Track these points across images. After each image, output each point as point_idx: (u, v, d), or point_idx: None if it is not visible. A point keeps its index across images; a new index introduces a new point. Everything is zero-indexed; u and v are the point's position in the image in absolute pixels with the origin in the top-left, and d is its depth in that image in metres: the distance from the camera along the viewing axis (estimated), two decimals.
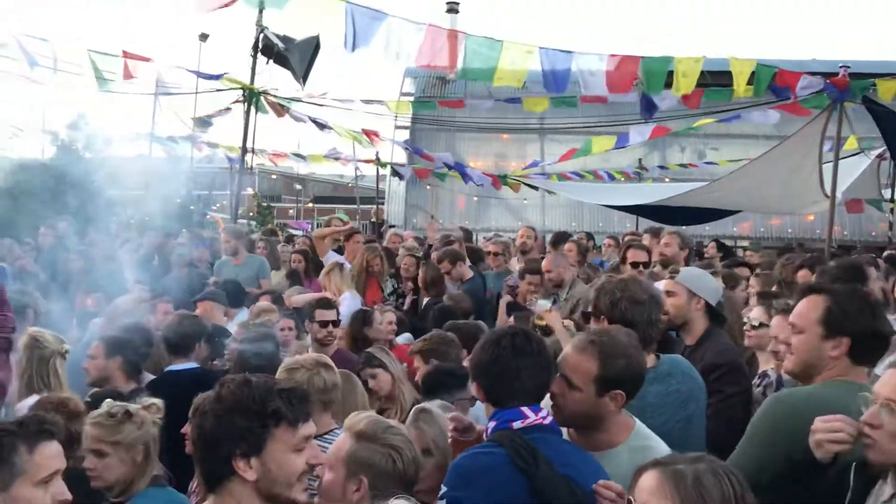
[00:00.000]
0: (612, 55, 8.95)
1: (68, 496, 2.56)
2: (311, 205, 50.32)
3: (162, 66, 11.43)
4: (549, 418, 2.84)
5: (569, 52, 8.87)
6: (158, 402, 3.45)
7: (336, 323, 5.92)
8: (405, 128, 18.90)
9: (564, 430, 2.96)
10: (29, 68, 10.93)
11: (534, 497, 2.60)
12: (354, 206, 31.05)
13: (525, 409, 2.77)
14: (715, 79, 9.72)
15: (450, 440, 3.20)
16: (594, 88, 9.03)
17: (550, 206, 19.30)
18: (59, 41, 10.67)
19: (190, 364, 5.21)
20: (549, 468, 2.63)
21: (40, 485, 2.49)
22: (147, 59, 10.79)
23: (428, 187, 20.53)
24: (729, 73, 9.31)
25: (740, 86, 8.85)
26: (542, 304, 5.51)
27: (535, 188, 15.67)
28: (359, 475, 2.70)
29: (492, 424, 2.82)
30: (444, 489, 2.69)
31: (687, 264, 6.46)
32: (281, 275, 9.77)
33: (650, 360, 3.46)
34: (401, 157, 19.52)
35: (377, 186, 20.69)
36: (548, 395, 2.93)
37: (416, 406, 3.50)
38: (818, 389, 2.89)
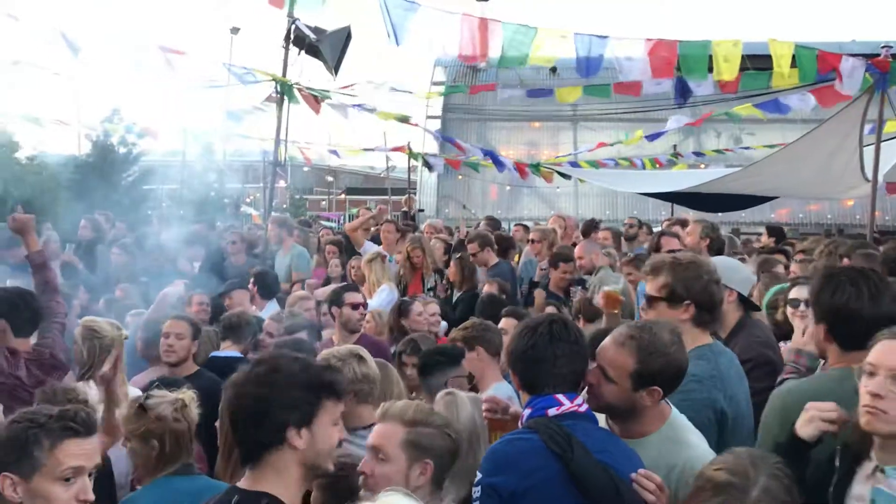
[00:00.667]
0: (649, 39, 8.79)
1: (90, 497, 2.58)
2: (342, 196, 50.59)
3: (196, 59, 11.48)
4: (585, 406, 2.83)
5: (604, 36, 8.73)
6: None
7: (365, 306, 5.94)
8: (436, 117, 18.87)
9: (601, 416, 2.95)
10: (70, 58, 11.01)
11: (570, 482, 2.59)
12: (386, 197, 31.12)
13: (560, 397, 2.77)
14: (753, 63, 9.54)
15: (485, 420, 3.26)
16: (631, 73, 8.88)
17: (584, 195, 19.17)
18: (96, 37, 10.71)
19: (235, 352, 5.35)
20: (586, 454, 2.62)
21: (61, 481, 2.52)
22: (181, 53, 10.84)
23: (460, 177, 20.50)
24: (767, 57, 9.12)
25: (783, 69, 8.62)
26: (613, 288, 5.52)
27: (568, 177, 15.54)
28: (423, 459, 2.81)
29: (527, 412, 2.81)
30: (479, 475, 2.69)
31: (711, 253, 6.31)
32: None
33: (707, 336, 3.44)
34: (432, 147, 19.51)
35: (409, 177, 20.69)
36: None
37: (444, 391, 3.53)
38: (813, 382, 3.02)
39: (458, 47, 8.79)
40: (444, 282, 8.58)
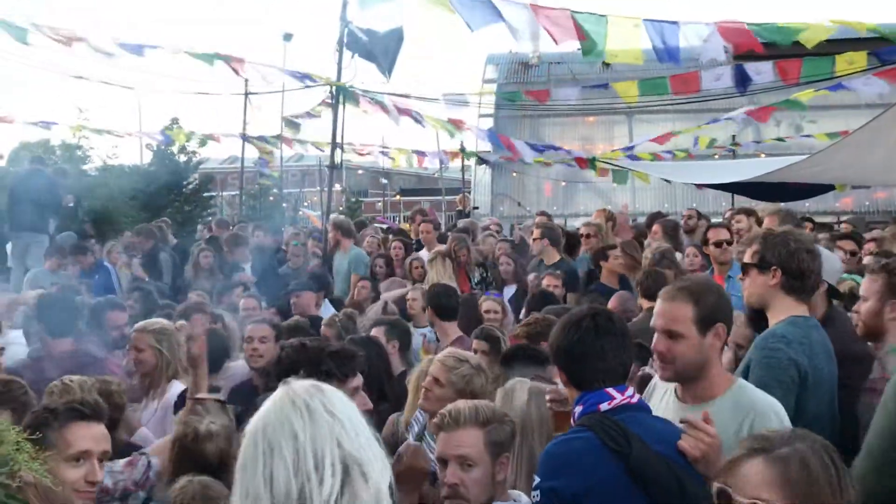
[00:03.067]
0: (718, 22, 8.62)
1: (98, 478, 2.70)
2: (397, 197, 50.92)
3: (254, 65, 11.69)
4: (637, 396, 2.80)
5: (674, 22, 8.59)
6: (214, 426, 3.47)
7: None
8: (489, 115, 18.83)
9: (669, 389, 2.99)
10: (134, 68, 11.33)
11: (631, 477, 2.56)
12: (440, 198, 31.21)
13: (611, 390, 2.74)
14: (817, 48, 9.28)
15: (549, 411, 3.26)
16: (711, 53, 8.63)
17: (640, 188, 18.84)
18: (155, 47, 11.00)
19: None
20: (644, 447, 2.59)
21: (70, 462, 2.64)
22: (240, 60, 11.07)
23: (514, 174, 20.42)
24: (830, 41, 8.87)
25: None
26: None
27: (624, 180, 15.33)
28: (502, 455, 2.90)
29: (578, 409, 2.78)
30: (537, 479, 2.66)
31: None
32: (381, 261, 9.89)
33: (805, 310, 3.54)
34: (486, 144, 19.49)
35: (462, 176, 20.74)
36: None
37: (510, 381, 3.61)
38: None
39: (552, 37, 8.64)
40: (489, 276, 8.66)
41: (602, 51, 8.39)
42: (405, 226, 24.05)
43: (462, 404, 3.04)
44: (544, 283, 7.29)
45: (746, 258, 3.68)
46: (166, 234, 11.05)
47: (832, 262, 4.30)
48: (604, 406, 2.72)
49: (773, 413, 2.83)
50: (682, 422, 2.66)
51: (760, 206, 9.33)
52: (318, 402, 1.73)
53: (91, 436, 2.75)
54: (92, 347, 5.28)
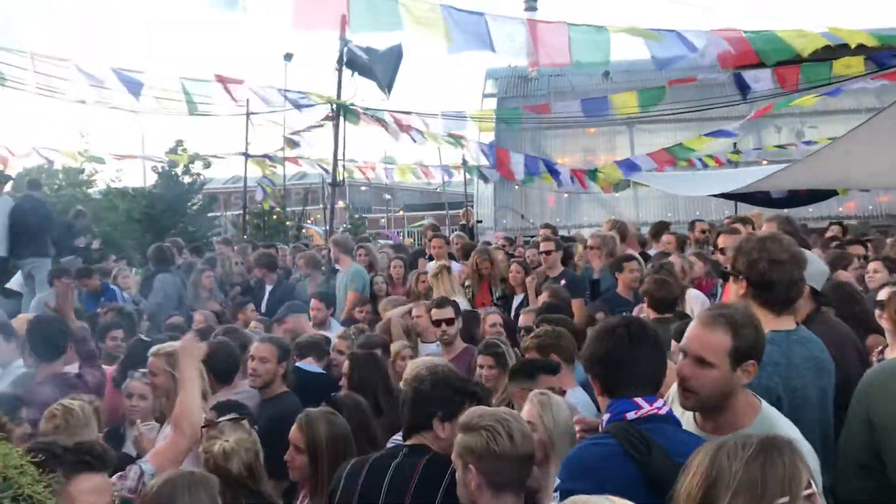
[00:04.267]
0: (714, 31, 8.68)
1: None
2: (401, 213, 50.97)
3: (253, 86, 11.77)
4: (666, 408, 2.79)
5: (672, 30, 8.64)
6: (229, 445, 3.53)
7: (450, 321, 6.04)
8: (489, 131, 18.90)
9: (688, 416, 2.92)
10: (132, 99, 11.45)
11: (649, 487, 2.56)
12: (443, 212, 31.18)
13: (639, 400, 2.74)
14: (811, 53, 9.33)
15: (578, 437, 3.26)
16: (707, 63, 8.68)
17: (644, 198, 18.92)
18: (153, 72, 11.13)
19: (317, 368, 5.77)
20: (664, 457, 2.58)
21: None
22: (239, 82, 11.14)
23: (517, 187, 20.46)
24: (826, 48, 8.92)
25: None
26: None
27: (625, 186, 15.35)
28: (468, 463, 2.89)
29: (606, 416, 2.79)
30: (557, 481, 2.69)
31: None
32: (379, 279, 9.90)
33: (789, 322, 3.36)
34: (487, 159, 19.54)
35: (465, 190, 20.75)
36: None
37: (538, 390, 3.66)
38: None
39: (538, 55, 8.70)
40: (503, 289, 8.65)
41: (599, 63, 8.43)
42: (408, 241, 24.11)
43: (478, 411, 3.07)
44: (541, 297, 7.21)
45: (726, 266, 3.62)
46: (171, 255, 11.04)
47: (816, 264, 4.24)
48: (630, 415, 2.72)
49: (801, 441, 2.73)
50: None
51: (767, 214, 9.29)
52: None
53: (96, 488, 2.62)
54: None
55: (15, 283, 11.15)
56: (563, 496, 2.60)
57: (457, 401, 3.19)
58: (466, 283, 8.68)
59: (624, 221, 10.06)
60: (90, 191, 25.23)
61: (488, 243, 11.55)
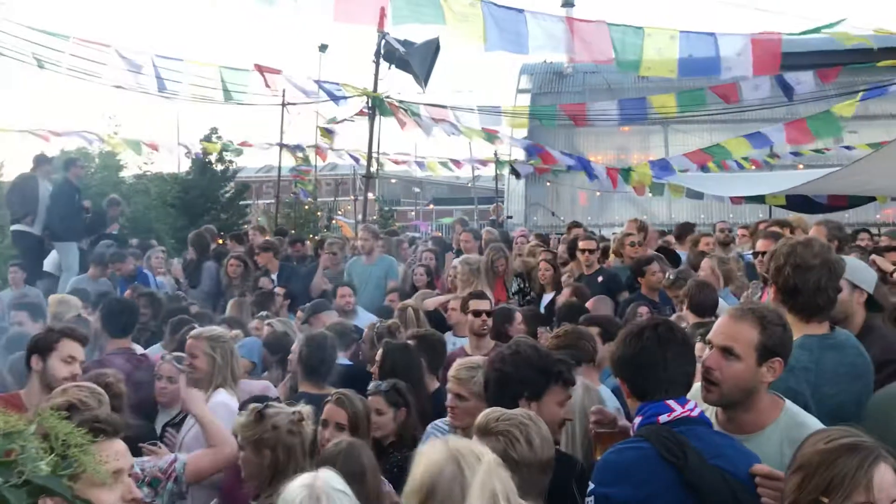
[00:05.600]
0: (754, 34, 8.59)
1: (138, 494, 2.56)
2: (430, 206, 51.06)
3: (291, 76, 11.82)
4: (698, 409, 2.76)
5: (710, 33, 8.56)
6: (305, 410, 3.52)
7: (489, 314, 6.02)
8: (523, 126, 18.83)
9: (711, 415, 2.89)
10: (162, 88, 11.57)
11: (686, 490, 2.54)
12: (472, 207, 31.22)
13: (671, 402, 2.71)
14: (852, 56, 9.20)
15: (591, 433, 3.26)
16: (739, 69, 8.64)
17: (676, 199, 18.74)
18: (192, 60, 11.21)
19: (344, 359, 5.69)
20: (700, 460, 2.56)
21: (101, 485, 2.40)
22: (277, 72, 11.20)
23: (548, 183, 20.36)
24: (868, 51, 8.78)
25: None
26: None
27: (660, 192, 15.21)
28: None
29: (638, 419, 2.77)
30: (591, 485, 2.67)
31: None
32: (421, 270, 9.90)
33: (823, 327, 3.31)
34: (519, 153, 19.47)
35: (496, 186, 20.72)
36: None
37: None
38: None
39: (582, 53, 8.67)
40: (527, 286, 8.62)
41: (637, 62, 8.36)
42: (435, 234, 24.11)
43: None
44: (562, 295, 7.15)
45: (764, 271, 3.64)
46: (208, 242, 11.13)
47: (863, 272, 4.16)
48: (663, 418, 2.70)
49: None
50: (751, 473, 2.58)
51: (816, 218, 9.09)
52: None
53: (115, 453, 2.61)
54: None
55: (49, 264, 11.33)
56: (599, 501, 2.61)
57: (542, 381, 3.31)
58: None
59: (644, 221, 9.95)
60: (123, 175, 25.51)
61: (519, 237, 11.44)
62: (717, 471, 2.55)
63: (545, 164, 14.05)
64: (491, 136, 13.54)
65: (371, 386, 4.26)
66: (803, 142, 13.82)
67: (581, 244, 8.44)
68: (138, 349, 5.92)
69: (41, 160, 11.63)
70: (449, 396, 3.91)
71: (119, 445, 2.64)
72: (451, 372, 3.96)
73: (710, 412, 2.90)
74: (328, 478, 2.53)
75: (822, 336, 3.28)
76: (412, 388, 4.52)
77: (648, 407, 2.74)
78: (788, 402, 2.89)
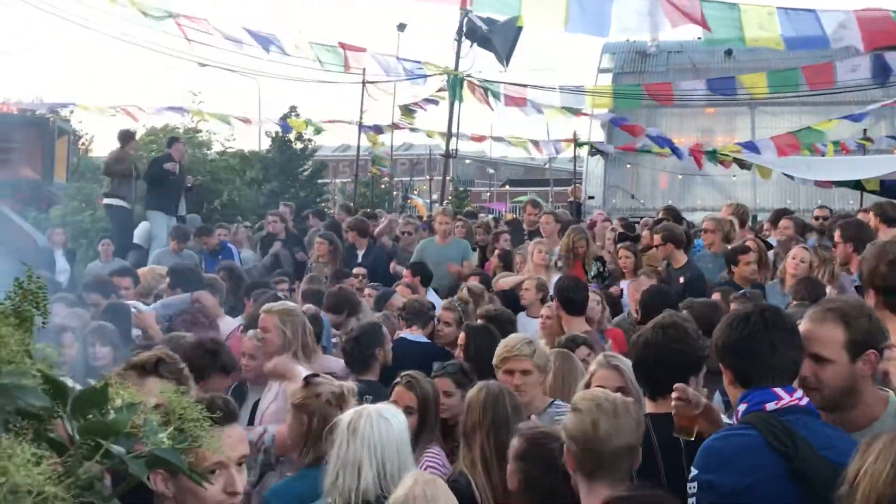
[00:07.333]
0: (857, 10, 8.20)
1: (238, 489, 2.42)
2: (504, 188, 50.87)
3: (375, 55, 11.85)
4: (806, 399, 2.66)
5: (810, 10, 8.22)
6: (347, 387, 3.53)
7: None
8: (606, 107, 18.50)
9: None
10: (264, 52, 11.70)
11: (793, 480, 2.46)
12: (547, 189, 30.96)
13: (778, 390, 2.61)
14: None
15: (673, 411, 3.12)
16: (849, 40, 8.24)
17: (762, 183, 18.07)
18: (283, 35, 11.32)
19: (422, 337, 5.67)
20: (811, 450, 2.47)
21: (206, 474, 2.29)
22: (361, 49, 11.24)
23: (628, 166, 19.98)
24: None
25: None
26: None
27: (748, 166, 14.73)
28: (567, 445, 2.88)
29: (742, 407, 2.67)
30: (694, 471, 2.60)
31: None
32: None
33: None
34: (599, 135, 19.16)
35: (574, 167, 20.42)
36: None
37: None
38: None
39: (675, 22, 8.42)
40: (606, 270, 8.49)
41: (740, 37, 8.06)
42: (509, 216, 23.99)
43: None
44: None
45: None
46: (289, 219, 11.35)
47: None
48: (770, 406, 2.60)
49: None
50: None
51: None
52: None
53: (228, 443, 2.39)
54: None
55: (138, 236, 11.71)
56: (703, 487, 2.55)
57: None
58: (559, 264, 8.52)
59: (745, 206, 9.63)
60: (208, 152, 26.18)
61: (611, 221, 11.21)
62: (827, 462, 2.44)
63: (633, 135, 13.71)
64: (573, 109, 13.32)
65: (437, 367, 4.29)
66: None
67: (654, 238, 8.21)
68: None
69: (126, 136, 12.03)
70: (516, 376, 4.00)
71: (231, 434, 2.48)
72: (510, 350, 4.06)
73: None
74: (378, 407, 2.94)
75: None
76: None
77: (754, 394, 2.64)
78: (892, 394, 2.78)
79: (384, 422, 2.93)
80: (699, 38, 8.87)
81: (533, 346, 4.13)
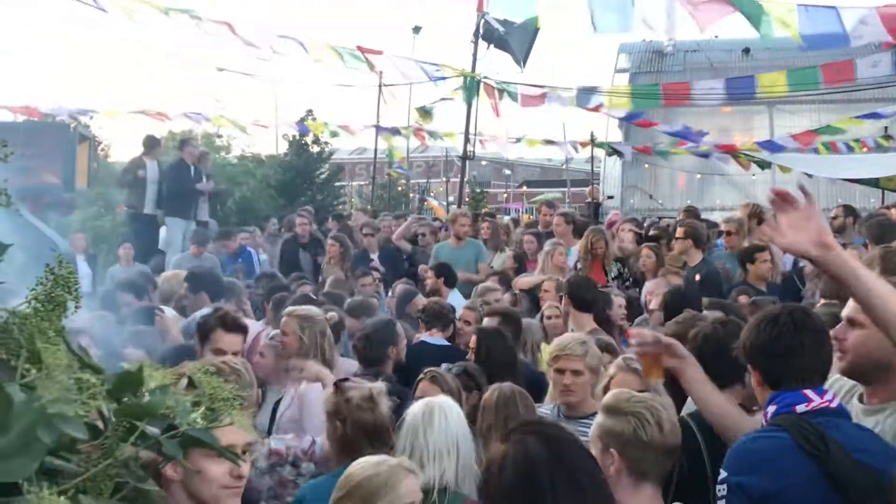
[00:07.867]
0: (879, 6, 8.11)
1: (244, 472, 2.48)
2: (521, 189, 50.82)
3: (392, 58, 11.86)
4: (836, 401, 2.64)
5: (831, 7, 8.14)
6: (376, 389, 3.51)
7: None
8: (624, 107, 18.42)
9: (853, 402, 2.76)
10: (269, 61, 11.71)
11: (827, 484, 2.42)
12: (564, 189, 30.87)
13: (808, 392, 2.59)
14: None
15: (636, 356, 3.24)
16: (870, 37, 8.16)
17: (781, 182, 17.84)
18: (305, 38, 11.34)
19: (441, 340, 5.62)
20: (843, 453, 2.44)
21: (212, 457, 2.29)
22: (378, 52, 11.27)
23: (646, 166, 19.88)
24: None
25: None
26: None
27: (767, 166, 14.63)
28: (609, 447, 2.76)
29: (772, 409, 2.64)
30: (723, 473, 2.57)
31: None
32: (505, 256, 9.85)
33: None
34: (616, 135, 19.08)
35: (591, 168, 20.35)
36: None
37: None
38: None
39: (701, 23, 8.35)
40: (626, 271, 8.44)
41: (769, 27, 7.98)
42: (526, 217, 23.94)
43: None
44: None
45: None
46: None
47: None
48: (800, 408, 2.58)
49: None
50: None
51: None
52: None
53: (231, 429, 2.57)
54: None
55: (162, 241, 11.78)
56: (732, 490, 2.52)
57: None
58: (578, 266, 8.50)
59: (761, 206, 9.52)
60: (228, 156, 26.35)
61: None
62: (860, 465, 2.43)
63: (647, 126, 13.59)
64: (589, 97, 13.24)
65: (443, 368, 4.24)
66: None
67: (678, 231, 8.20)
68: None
69: (152, 142, 12.08)
70: (567, 375, 3.96)
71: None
72: (562, 348, 4.01)
73: (853, 401, 2.77)
74: (445, 400, 3.09)
75: None
76: (509, 372, 4.49)
77: (784, 396, 2.62)
78: None
79: (455, 414, 3.06)
80: (716, 37, 8.80)
81: (586, 346, 4.09)
